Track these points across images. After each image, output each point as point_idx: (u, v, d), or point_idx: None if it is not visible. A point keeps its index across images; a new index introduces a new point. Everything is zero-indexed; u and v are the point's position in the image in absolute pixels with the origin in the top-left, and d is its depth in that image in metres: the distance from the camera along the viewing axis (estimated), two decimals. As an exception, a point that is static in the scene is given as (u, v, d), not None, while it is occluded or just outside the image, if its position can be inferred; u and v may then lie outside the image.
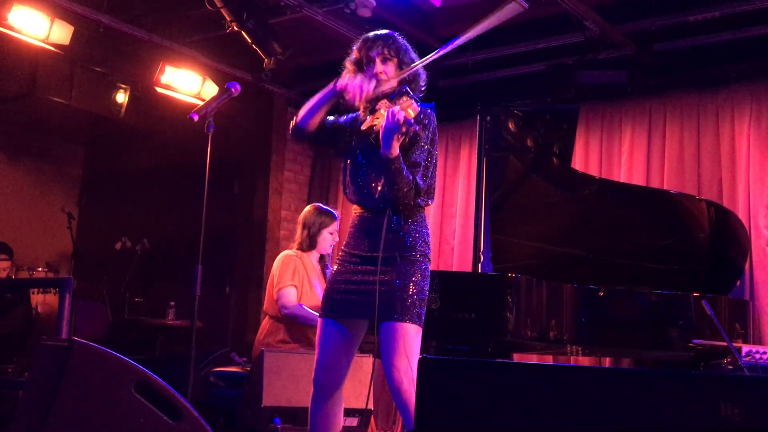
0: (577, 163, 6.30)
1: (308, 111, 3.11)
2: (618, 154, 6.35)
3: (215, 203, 3.75)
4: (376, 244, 2.94)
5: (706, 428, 1.71)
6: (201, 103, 3.55)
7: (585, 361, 5.81)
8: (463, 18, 6.00)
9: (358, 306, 2.96)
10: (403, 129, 2.79)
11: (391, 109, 2.83)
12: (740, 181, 5.78)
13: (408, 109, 2.84)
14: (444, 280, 4.37)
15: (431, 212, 7.15)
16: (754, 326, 5.34)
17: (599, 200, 5.22)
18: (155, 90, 6.47)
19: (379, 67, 3.02)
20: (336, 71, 3.17)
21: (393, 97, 2.97)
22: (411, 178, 2.90)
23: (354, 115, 3.20)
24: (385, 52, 3.03)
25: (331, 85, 3.08)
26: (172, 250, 7.57)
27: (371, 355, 4.22)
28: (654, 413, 1.75)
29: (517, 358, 5.40)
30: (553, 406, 1.81)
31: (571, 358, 5.74)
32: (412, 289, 2.91)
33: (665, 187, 5.99)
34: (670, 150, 6.14)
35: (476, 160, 5.12)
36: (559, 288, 4.61)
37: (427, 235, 3.06)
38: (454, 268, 6.80)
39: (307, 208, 4.80)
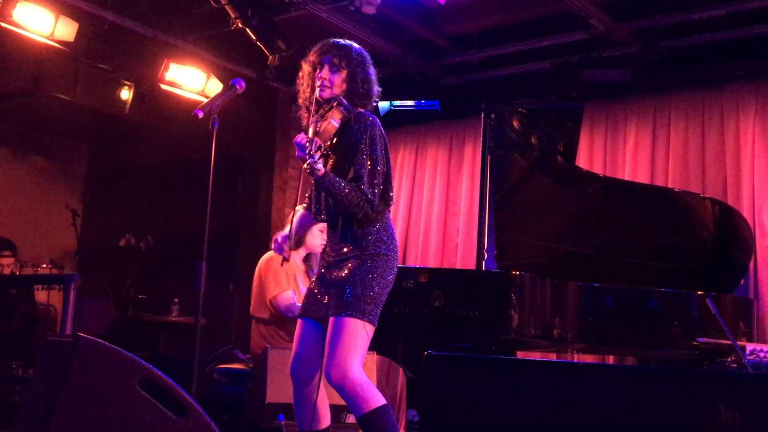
0: (582, 161, 6.29)
1: None
2: (622, 153, 6.35)
3: (219, 200, 3.74)
4: (339, 250, 3.02)
5: (707, 425, 1.71)
6: (205, 100, 3.54)
7: (588, 359, 5.80)
8: (466, 15, 6.00)
9: (324, 306, 3.03)
10: (307, 148, 2.79)
11: (296, 137, 2.88)
12: (745, 180, 5.77)
13: (330, 120, 2.87)
14: (448, 277, 4.37)
15: (435, 210, 7.15)
16: (758, 325, 5.33)
17: (603, 198, 5.22)
18: (160, 87, 6.47)
19: (324, 73, 3.02)
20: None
21: (328, 106, 2.99)
22: (348, 191, 2.90)
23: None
24: (335, 61, 3.02)
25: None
26: (176, 247, 7.57)
27: (374, 352, 4.21)
28: (658, 408, 1.75)
29: (520, 356, 5.39)
30: (558, 401, 1.82)
31: (575, 356, 5.74)
32: (357, 285, 2.94)
33: (670, 186, 5.98)
34: (674, 148, 6.13)
35: (480, 158, 5.12)
36: (563, 286, 4.61)
37: (387, 236, 3.05)
38: (458, 266, 6.80)
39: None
